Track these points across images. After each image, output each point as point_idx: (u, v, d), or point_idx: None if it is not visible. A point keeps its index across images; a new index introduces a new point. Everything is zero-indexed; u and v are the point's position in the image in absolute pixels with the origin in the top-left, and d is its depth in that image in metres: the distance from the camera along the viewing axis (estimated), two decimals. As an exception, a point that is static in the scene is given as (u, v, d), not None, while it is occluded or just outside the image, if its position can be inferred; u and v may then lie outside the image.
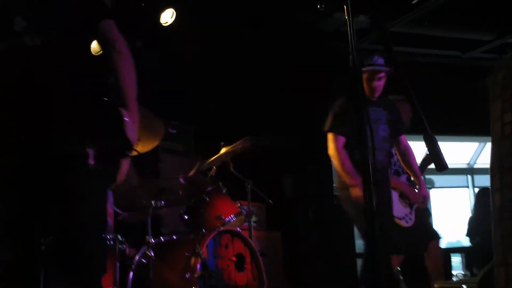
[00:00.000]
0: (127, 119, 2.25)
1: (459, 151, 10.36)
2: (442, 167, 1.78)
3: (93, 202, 2.21)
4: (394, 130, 4.45)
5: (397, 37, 6.69)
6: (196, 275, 3.61)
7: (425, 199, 4.66)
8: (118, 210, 3.89)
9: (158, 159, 5.38)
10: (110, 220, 3.97)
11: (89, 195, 2.17)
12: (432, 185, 9.61)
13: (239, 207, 4.33)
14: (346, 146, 4.11)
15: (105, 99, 2.25)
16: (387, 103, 4.46)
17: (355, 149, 3.89)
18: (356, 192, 3.88)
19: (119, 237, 3.77)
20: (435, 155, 1.82)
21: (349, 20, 1.96)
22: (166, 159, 5.58)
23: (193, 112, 6.07)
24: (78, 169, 2.12)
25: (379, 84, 4.29)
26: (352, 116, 1.93)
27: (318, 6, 5.49)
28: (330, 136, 4.17)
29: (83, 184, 2.14)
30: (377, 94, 4.32)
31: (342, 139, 4.09)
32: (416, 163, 4.69)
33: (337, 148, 4.05)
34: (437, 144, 1.84)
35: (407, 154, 4.62)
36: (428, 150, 1.84)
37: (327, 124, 4.23)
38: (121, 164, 2.28)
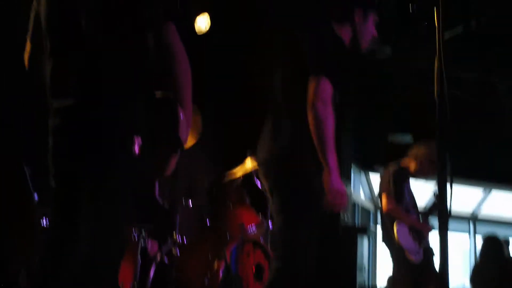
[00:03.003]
0: (182, 117, 2.26)
1: (464, 197, 10.30)
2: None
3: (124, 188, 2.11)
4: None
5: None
6: (217, 279, 3.53)
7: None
8: (160, 201, 3.79)
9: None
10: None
11: (123, 181, 2.09)
12: (432, 227, 9.55)
13: (261, 219, 4.28)
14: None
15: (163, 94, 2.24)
16: None
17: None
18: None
19: (143, 231, 3.69)
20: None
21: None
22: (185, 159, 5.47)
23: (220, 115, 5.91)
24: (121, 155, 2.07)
25: None
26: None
27: None
28: (384, 198, 5.11)
29: (122, 168, 2.07)
30: None
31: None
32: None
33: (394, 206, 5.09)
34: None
35: None
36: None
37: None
38: (170, 160, 2.28)
